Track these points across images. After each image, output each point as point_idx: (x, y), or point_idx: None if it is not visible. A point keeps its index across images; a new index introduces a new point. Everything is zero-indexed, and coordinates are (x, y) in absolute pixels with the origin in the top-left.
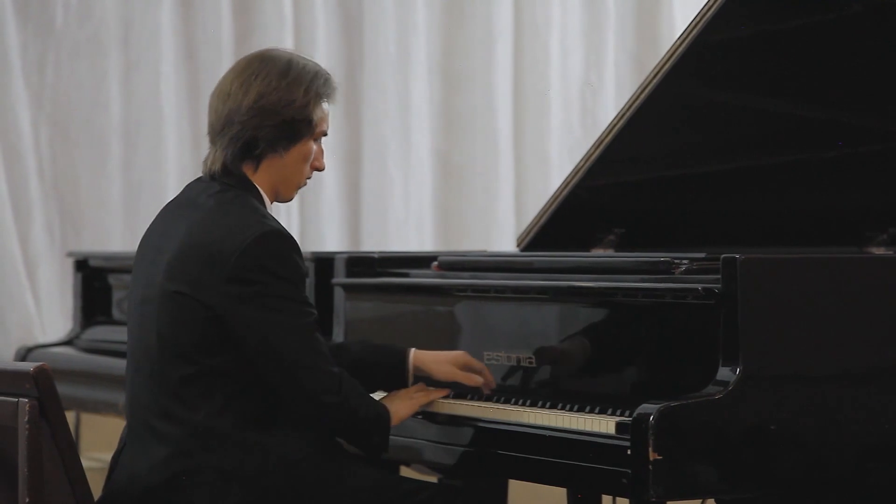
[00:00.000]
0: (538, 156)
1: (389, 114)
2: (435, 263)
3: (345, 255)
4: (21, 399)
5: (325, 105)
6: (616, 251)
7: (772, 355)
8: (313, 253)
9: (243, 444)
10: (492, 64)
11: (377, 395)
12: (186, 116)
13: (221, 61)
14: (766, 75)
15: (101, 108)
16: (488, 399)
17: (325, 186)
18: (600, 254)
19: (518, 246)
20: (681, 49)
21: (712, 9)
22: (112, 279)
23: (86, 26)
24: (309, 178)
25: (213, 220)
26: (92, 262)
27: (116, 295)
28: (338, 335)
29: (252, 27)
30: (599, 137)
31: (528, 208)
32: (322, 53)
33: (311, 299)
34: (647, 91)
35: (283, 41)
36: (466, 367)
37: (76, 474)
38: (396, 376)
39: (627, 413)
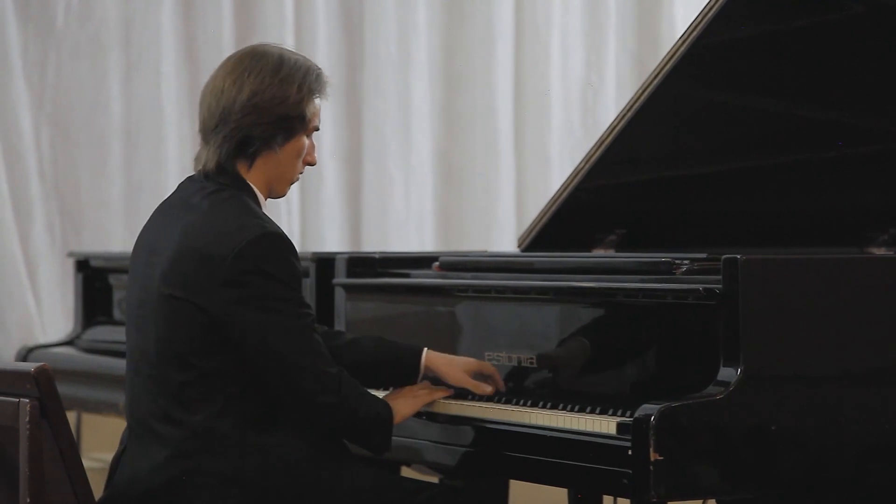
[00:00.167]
0: (539, 156)
1: (390, 114)
2: (436, 264)
3: (346, 256)
4: (22, 399)
5: (317, 100)
6: (617, 251)
7: (773, 356)
8: (314, 253)
9: (243, 446)
10: (492, 64)
11: (380, 393)
12: (187, 116)
13: (222, 61)
14: (767, 76)
15: (101, 109)
16: (489, 399)
17: (326, 186)
18: (601, 254)
19: (519, 246)
20: (682, 49)
21: (713, 9)
22: (113, 279)
23: (86, 26)
24: (301, 172)
25: (207, 222)
26: (93, 263)
27: (117, 295)
28: None
29: (253, 27)
30: (600, 138)
31: (528, 208)
32: (322, 53)
33: (312, 300)
34: (647, 91)
35: (284, 41)
36: (478, 375)
37: (77, 474)
38: (407, 375)
39: (628, 413)
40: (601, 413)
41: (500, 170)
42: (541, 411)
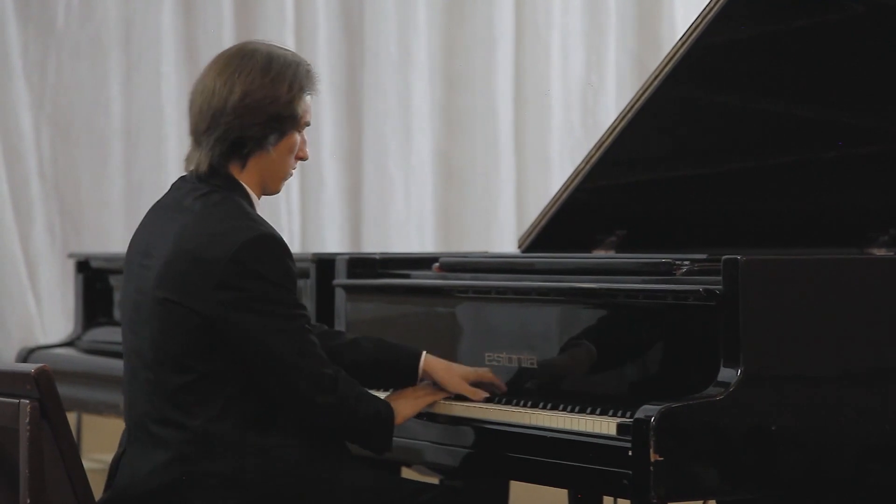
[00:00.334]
0: (539, 156)
1: (390, 114)
2: (436, 265)
3: (346, 257)
4: (22, 400)
5: (308, 97)
6: (617, 252)
7: (773, 356)
8: (314, 254)
9: (243, 447)
10: (493, 64)
11: (381, 394)
12: (187, 116)
13: (210, 61)
14: (767, 76)
15: (101, 109)
16: (490, 400)
17: (326, 187)
18: (601, 255)
19: (519, 247)
20: (682, 50)
21: (713, 10)
22: (113, 280)
23: (87, 27)
24: (294, 168)
25: (200, 225)
26: (93, 264)
27: (118, 296)
28: None
29: (253, 27)
30: (600, 139)
31: (529, 209)
32: (323, 54)
33: (313, 301)
34: (648, 92)
35: (284, 41)
36: (476, 382)
37: (77, 475)
38: (405, 378)
39: (629, 414)
40: (601, 414)
41: (500, 170)
42: (541, 412)
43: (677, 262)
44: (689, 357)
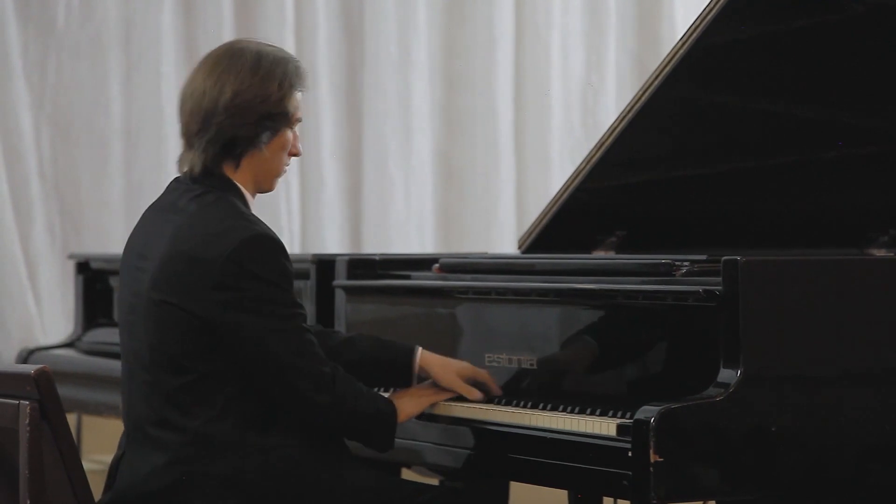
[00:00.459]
0: (539, 157)
1: (390, 114)
2: (436, 265)
3: (346, 257)
4: (22, 401)
5: (298, 94)
6: (617, 253)
7: (773, 357)
8: (314, 255)
9: (243, 448)
10: (493, 64)
11: (383, 393)
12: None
13: (199, 61)
14: (767, 76)
15: (102, 109)
16: (490, 401)
17: (326, 187)
18: (601, 256)
19: (519, 248)
20: (682, 50)
21: (713, 10)
22: (113, 281)
23: (87, 27)
24: (287, 165)
25: (195, 226)
26: (93, 264)
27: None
28: None
29: (253, 27)
30: (600, 139)
31: (529, 209)
32: (323, 54)
33: (313, 301)
34: (648, 92)
35: (284, 42)
36: (471, 380)
37: (77, 476)
38: (401, 375)
39: (628, 415)
40: (601, 415)
41: (500, 170)
42: (541, 413)
43: (677, 263)
44: (689, 358)
